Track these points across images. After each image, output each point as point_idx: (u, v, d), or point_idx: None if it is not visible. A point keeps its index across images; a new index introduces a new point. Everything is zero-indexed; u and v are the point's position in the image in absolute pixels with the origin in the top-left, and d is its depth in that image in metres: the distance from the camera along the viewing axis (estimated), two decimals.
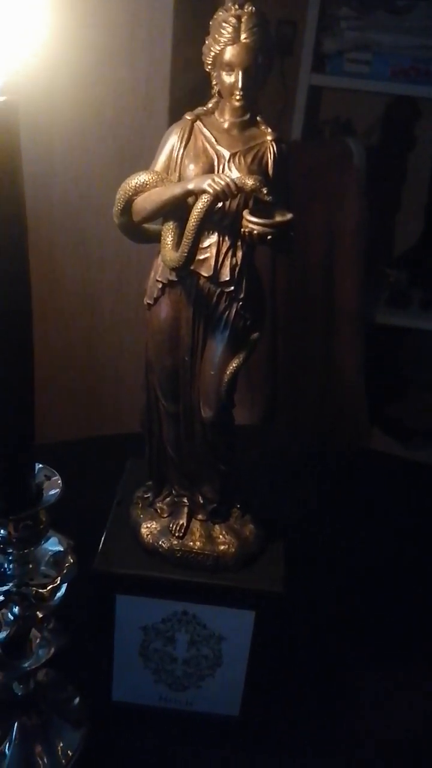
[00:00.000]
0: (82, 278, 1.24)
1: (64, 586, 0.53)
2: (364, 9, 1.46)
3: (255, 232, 0.46)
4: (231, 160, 0.49)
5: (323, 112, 1.61)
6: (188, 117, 0.50)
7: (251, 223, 0.46)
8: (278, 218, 0.46)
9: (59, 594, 0.53)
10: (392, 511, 0.91)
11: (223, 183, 0.45)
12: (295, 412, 1.45)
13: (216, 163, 0.49)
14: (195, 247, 0.47)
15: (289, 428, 1.42)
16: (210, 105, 0.50)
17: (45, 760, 0.58)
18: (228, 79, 0.48)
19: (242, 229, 0.47)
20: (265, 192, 0.45)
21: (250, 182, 0.45)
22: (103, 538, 0.60)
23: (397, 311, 1.61)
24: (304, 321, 1.42)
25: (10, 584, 0.51)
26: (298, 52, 1.46)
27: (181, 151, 0.49)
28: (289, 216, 0.46)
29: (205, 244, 0.50)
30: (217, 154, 0.49)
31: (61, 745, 0.59)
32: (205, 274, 0.50)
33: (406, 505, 0.93)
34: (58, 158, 1.14)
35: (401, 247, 1.72)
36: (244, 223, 0.47)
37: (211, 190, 0.45)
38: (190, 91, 1.21)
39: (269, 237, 0.46)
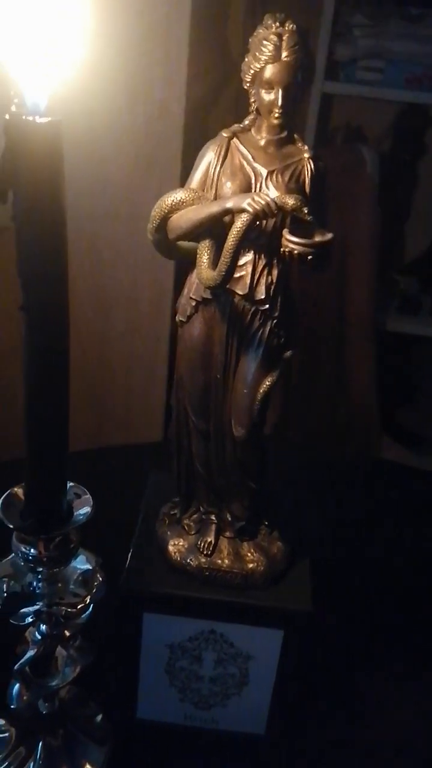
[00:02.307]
0: (94, 285, 1.24)
1: (92, 605, 0.52)
2: (377, 17, 1.45)
3: (296, 252, 0.46)
4: (268, 178, 0.49)
5: (335, 120, 1.61)
6: (225, 134, 0.50)
7: (292, 243, 0.46)
8: (318, 238, 0.45)
9: (87, 612, 0.52)
10: (404, 519, 0.91)
11: (263, 202, 0.45)
12: (307, 421, 1.44)
13: (253, 181, 0.49)
14: (233, 266, 0.47)
15: (301, 437, 1.42)
16: (246, 122, 0.50)
17: None
18: (267, 96, 0.47)
19: (282, 249, 0.47)
20: (305, 212, 0.45)
21: (291, 201, 0.45)
22: (129, 556, 0.59)
23: (407, 318, 1.61)
24: (316, 329, 1.42)
25: (40, 603, 0.51)
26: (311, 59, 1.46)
27: (218, 168, 0.49)
28: (329, 236, 0.46)
29: (241, 262, 0.49)
30: (254, 172, 0.49)
31: (87, 764, 0.58)
32: (241, 292, 0.50)
33: (418, 513, 0.93)
34: (72, 165, 1.12)
35: (412, 254, 1.71)
36: (284, 242, 0.46)
37: (251, 210, 0.45)
38: (203, 98, 1.20)
39: (309, 257, 0.46)
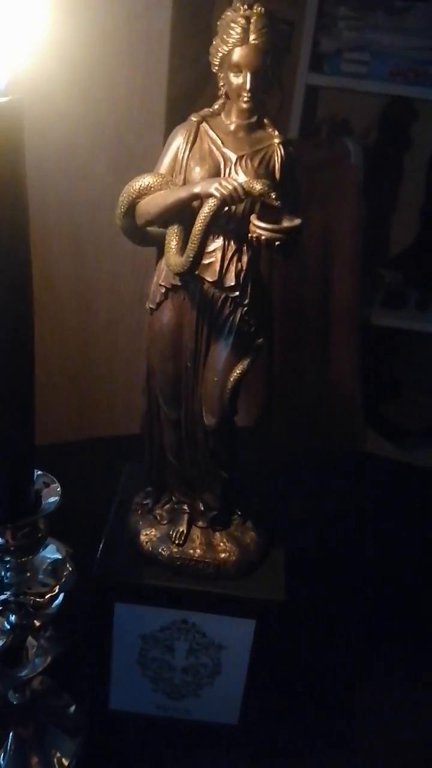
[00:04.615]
0: (76, 277, 1.23)
1: (62, 595, 0.52)
2: (362, 9, 1.45)
3: (263, 237, 0.45)
4: (237, 163, 0.48)
5: (320, 112, 1.60)
6: (194, 119, 0.49)
7: (259, 228, 0.45)
8: (287, 224, 0.45)
9: (57, 602, 0.52)
10: (387, 513, 0.91)
11: (230, 187, 0.44)
12: (291, 414, 1.44)
13: (222, 166, 0.48)
14: (200, 251, 0.46)
15: (284, 430, 1.42)
16: (216, 106, 0.49)
17: None
18: (236, 80, 0.47)
19: (249, 235, 0.46)
20: (273, 197, 0.44)
21: (258, 186, 0.44)
22: (101, 546, 0.59)
23: (392, 312, 1.61)
24: (300, 321, 1.42)
25: (8, 593, 0.50)
26: (295, 51, 1.45)
27: (187, 153, 0.48)
28: (297, 221, 0.45)
29: (210, 248, 0.49)
30: (223, 157, 0.48)
31: (58, 754, 0.58)
32: (210, 279, 0.49)
33: (401, 507, 0.93)
34: (52, 156, 1.12)
35: (397, 247, 1.71)
36: (252, 228, 0.46)
37: (218, 194, 0.44)
38: (187, 89, 1.20)
39: (277, 243, 0.45)
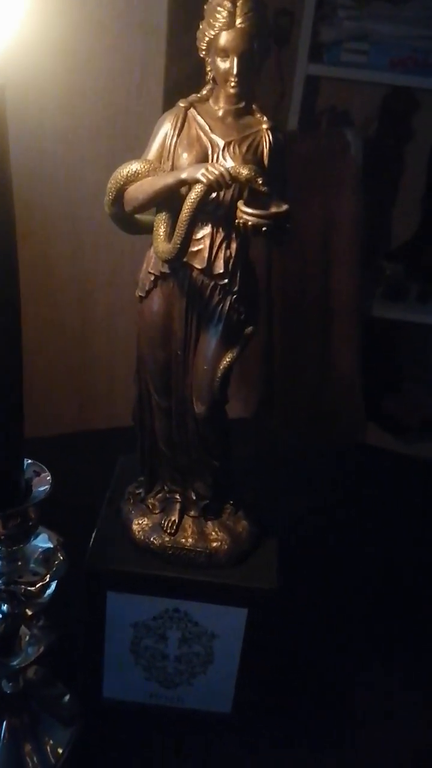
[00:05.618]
0: (74, 268, 1.23)
1: (54, 584, 0.52)
2: None
3: (249, 223, 0.45)
4: (225, 149, 0.48)
5: (320, 103, 1.59)
6: (182, 104, 0.49)
7: (245, 213, 0.45)
8: (273, 209, 0.45)
9: (49, 591, 0.52)
10: (387, 506, 0.91)
11: (217, 172, 0.44)
12: (291, 406, 1.44)
13: (210, 152, 0.48)
14: (188, 238, 0.46)
15: (284, 422, 1.41)
16: (204, 92, 0.49)
17: (34, 758, 0.57)
18: (222, 65, 0.46)
19: (236, 220, 0.46)
20: (260, 182, 0.44)
21: (244, 172, 0.44)
22: (94, 535, 0.59)
23: (393, 304, 1.60)
24: (301, 314, 1.41)
25: None
26: (295, 41, 1.44)
27: (175, 139, 0.48)
28: (284, 207, 0.45)
29: (199, 235, 0.48)
30: (211, 143, 0.48)
31: (51, 743, 0.58)
32: (199, 267, 0.49)
33: (401, 500, 0.93)
34: (49, 145, 1.12)
35: (398, 239, 1.70)
36: (238, 213, 0.45)
37: (204, 180, 0.44)
38: (184, 77, 1.19)
39: (264, 228, 0.45)
